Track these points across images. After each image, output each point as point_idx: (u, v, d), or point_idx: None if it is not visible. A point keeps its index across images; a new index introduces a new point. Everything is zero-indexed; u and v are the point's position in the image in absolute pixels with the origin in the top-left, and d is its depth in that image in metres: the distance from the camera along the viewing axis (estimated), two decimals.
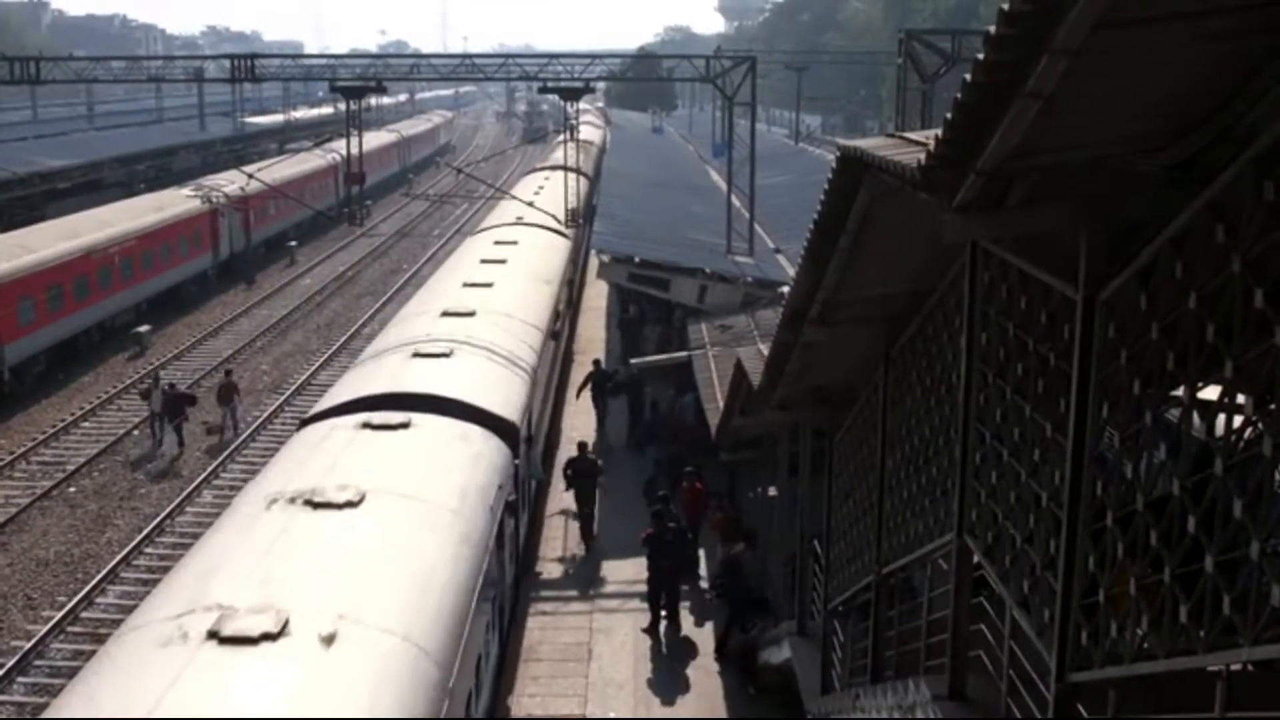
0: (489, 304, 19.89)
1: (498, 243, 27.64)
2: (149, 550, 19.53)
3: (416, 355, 16.15)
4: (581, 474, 18.97)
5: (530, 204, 32.23)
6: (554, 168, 42.39)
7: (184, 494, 21.78)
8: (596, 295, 37.45)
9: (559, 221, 31.48)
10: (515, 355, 17.61)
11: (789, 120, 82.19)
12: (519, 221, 30.97)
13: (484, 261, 24.49)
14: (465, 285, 21.67)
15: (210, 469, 22.99)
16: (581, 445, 19.93)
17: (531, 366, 17.83)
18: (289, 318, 37.11)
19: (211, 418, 25.79)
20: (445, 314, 18.77)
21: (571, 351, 29.98)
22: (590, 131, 56.86)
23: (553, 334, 22.09)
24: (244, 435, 25.00)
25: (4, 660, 15.77)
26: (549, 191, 36.48)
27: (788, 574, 14.85)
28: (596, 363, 25.74)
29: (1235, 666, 4.59)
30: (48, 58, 38.11)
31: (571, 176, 34.26)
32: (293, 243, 48.65)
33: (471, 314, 18.73)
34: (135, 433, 25.39)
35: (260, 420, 26.02)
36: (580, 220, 34.72)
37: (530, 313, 20.83)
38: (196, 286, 40.04)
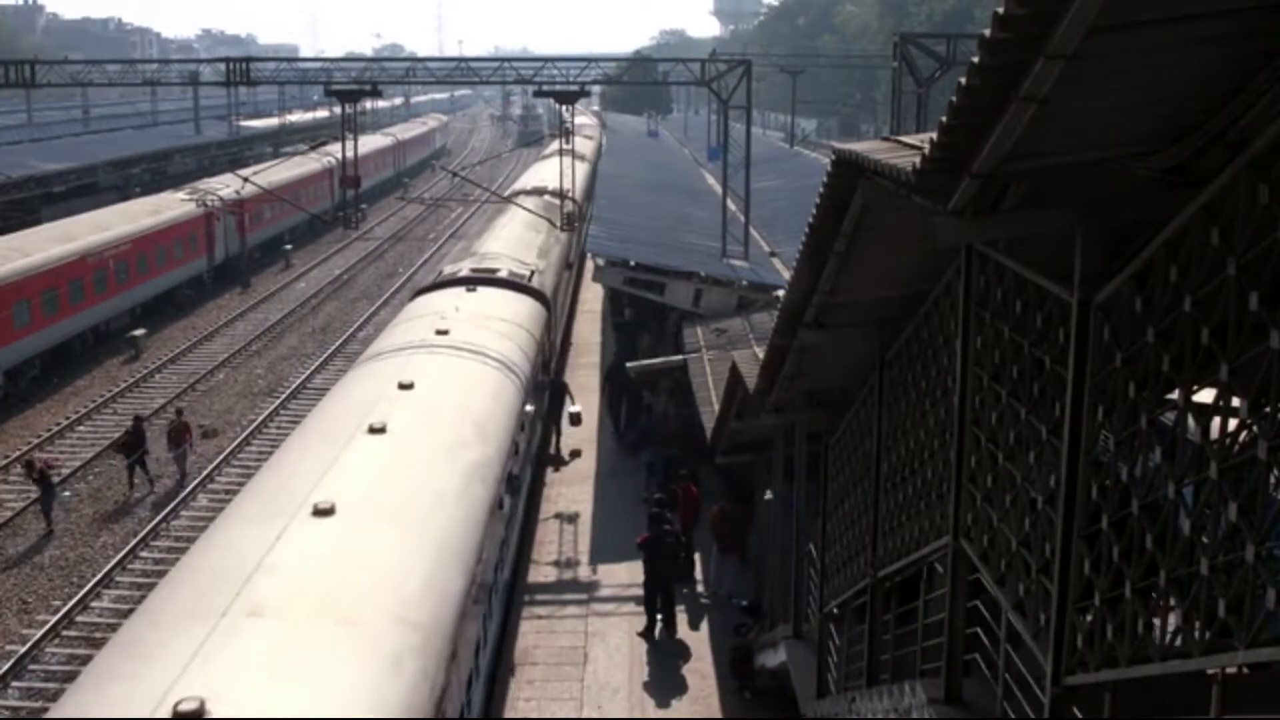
0: None
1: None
2: (144, 554, 19.49)
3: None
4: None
5: (442, 338, 16.52)
6: (481, 280, 22.10)
7: (179, 498, 21.75)
8: (593, 299, 37.40)
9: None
10: None
11: (784, 124, 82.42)
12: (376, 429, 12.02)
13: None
14: None
15: (205, 473, 22.94)
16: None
17: None
18: (284, 321, 37.04)
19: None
20: None
21: None
22: (567, 172, 31.90)
23: None
24: (192, 483, 22.31)
25: None
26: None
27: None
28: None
29: (1231, 669, 4.59)
30: (42, 61, 38.09)
31: (521, 330, 18.89)
32: (288, 246, 48.62)
33: None
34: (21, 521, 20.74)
35: (256, 424, 25.97)
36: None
37: None
38: (192, 290, 40.00)
